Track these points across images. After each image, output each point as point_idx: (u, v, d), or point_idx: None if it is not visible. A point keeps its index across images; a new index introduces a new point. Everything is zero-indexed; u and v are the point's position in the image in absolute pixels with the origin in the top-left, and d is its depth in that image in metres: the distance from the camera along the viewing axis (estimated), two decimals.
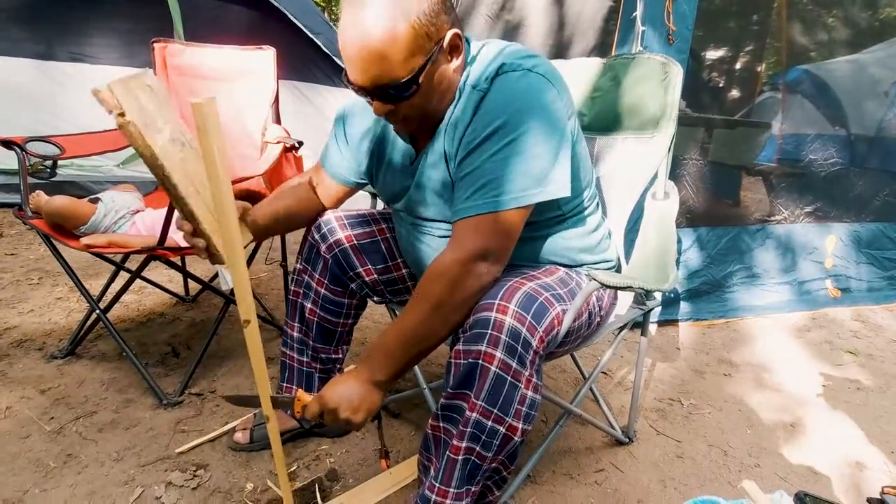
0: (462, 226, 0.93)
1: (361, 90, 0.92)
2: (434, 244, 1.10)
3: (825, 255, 2.64)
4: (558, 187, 0.95)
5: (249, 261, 1.76)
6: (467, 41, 1.00)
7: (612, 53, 2.09)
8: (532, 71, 0.94)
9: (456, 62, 0.95)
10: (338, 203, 1.29)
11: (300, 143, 1.89)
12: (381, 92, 0.90)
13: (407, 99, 0.91)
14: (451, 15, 0.91)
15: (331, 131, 1.22)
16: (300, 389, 1.05)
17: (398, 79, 0.88)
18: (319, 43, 3.32)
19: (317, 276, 1.25)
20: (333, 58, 3.39)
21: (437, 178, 1.03)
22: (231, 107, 2.03)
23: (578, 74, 1.50)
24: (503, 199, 0.91)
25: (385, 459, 1.07)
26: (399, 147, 1.10)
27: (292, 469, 1.29)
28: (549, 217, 1.06)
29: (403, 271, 1.29)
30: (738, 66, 2.76)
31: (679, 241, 2.26)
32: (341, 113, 1.21)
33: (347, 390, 0.93)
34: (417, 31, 0.86)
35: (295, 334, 1.30)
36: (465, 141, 0.96)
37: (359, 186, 1.26)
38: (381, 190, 1.20)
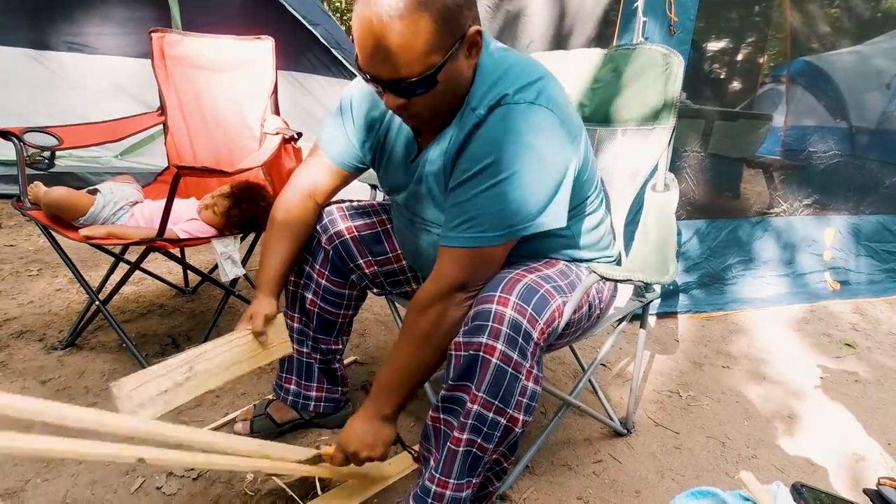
0: (446, 255, 0.94)
1: (374, 80, 0.87)
2: (430, 239, 1.09)
3: (824, 248, 2.65)
4: (551, 220, 0.93)
5: (248, 255, 1.75)
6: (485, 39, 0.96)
7: (614, 44, 2.08)
8: (535, 103, 0.88)
9: (473, 61, 0.91)
10: (336, 190, 1.22)
11: (299, 135, 1.88)
12: (395, 86, 0.85)
13: (421, 95, 0.87)
14: (473, 10, 0.87)
15: (333, 115, 1.15)
16: (322, 446, 1.12)
17: (415, 74, 0.83)
18: (317, 34, 3.30)
19: (317, 266, 1.25)
20: (331, 49, 3.37)
21: (434, 183, 1.01)
22: (230, 97, 2.02)
23: (579, 65, 1.49)
24: (488, 236, 0.90)
25: (415, 461, 1.13)
26: (402, 139, 1.07)
27: None
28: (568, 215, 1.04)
29: (403, 263, 1.29)
30: (739, 57, 2.75)
31: (679, 234, 2.26)
32: (348, 96, 1.14)
33: (361, 432, 1.02)
34: (441, 26, 0.80)
35: (295, 325, 1.30)
36: (458, 168, 0.93)
37: (359, 172, 1.21)
38: (381, 180, 1.19)
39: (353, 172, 1.19)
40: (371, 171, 1.26)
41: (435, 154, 0.99)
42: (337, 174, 1.18)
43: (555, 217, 0.93)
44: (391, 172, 1.12)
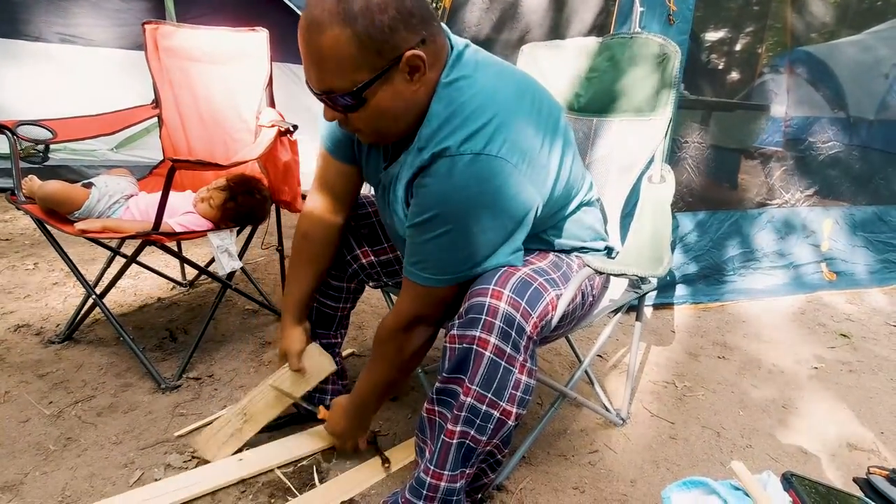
0: (405, 287, 1.00)
1: (311, 91, 0.86)
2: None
3: (821, 239, 2.65)
4: (502, 261, 0.93)
5: (244, 248, 1.75)
6: (452, 49, 0.90)
7: (610, 33, 2.06)
8: (482, 153, 0.83)
9: (415, 86, 0.85)
10: (354, 189, 1.18)
11: (295, 127, 1.87)
12: (327, 98, 0.85)
13: (353, 111, 0.86)
14: (416, 31, 0.81)
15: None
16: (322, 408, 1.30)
17: (341, 89, 0.82)
18: None
19: None
20: None
21: (395, 202, 0.99)
22: (224, 90, 2.01)
23: (574, 55, 1.48)
24: (436, 278, 0.95)
25: (384, 466, 1.26)
26: (374, 149, 1.06)
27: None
28: (543, 229, 1.05)
29: (399, 252, 1.29)
30: (738, 47, 2.73)
31: (676, 225, 2.26)
32: None
33: (341, 428, 1.23)
34: (363, 44, 0.78)
35: None
36: (411, 207, 0.93)
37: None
38: (365, 176, 1.16)
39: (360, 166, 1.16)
40: None
41: (401, 174, 0.95)
42: (347, 173, 1.15)
43: (507, 259, 0.93)
44: (368, 171, 1.12)
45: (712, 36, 2.61)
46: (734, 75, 2.83)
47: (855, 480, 0.79)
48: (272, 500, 1.15)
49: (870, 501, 0.71)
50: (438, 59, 0.87)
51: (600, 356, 1.90)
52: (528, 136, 0.89)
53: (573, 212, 1.08)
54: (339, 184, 1.17)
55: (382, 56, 0.80)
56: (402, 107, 0.87)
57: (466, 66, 0.89)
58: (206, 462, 1.23)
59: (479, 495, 1.15)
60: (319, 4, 0.78)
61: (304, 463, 1.26)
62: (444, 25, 0.90)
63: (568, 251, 1.12)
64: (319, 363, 1.28)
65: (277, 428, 1.36)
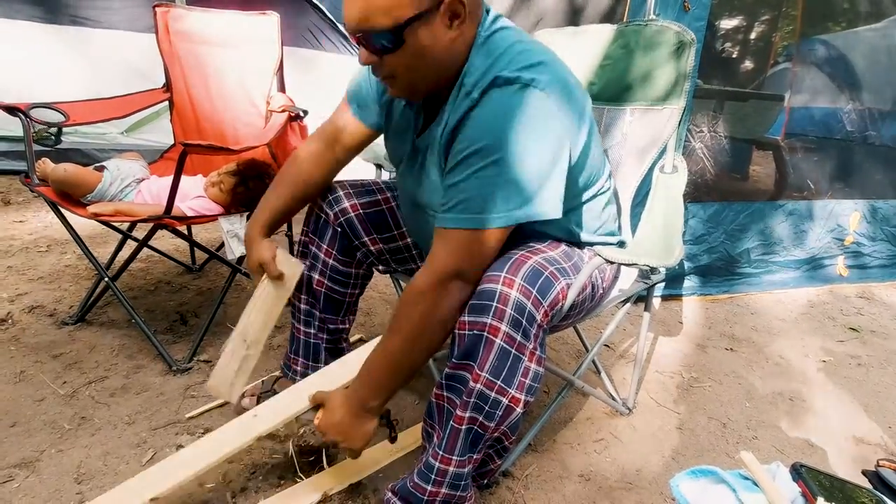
0: (439, 238, 0.93)
1: (349, 32, 0.87)
2: (429, 224, 1.07)
3: (847, 232, 2.62)
4: (546, 209, 0.91)
5: None
6: (487, 13, 0.94)
7: (624, 21, 2.03)
8: (530, 86, 0.86)
9: (454, 33, 0.88)
10: (358, 147, 1.22)
11: (305, 112, 1.87)
12: (365, 38, 0.86)
13: (391, 52, 0.86)
14: None
15: (359, 68, 1.16)
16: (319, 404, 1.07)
17: (381, 26, 0.83)
18: (324, 8, 3.25)
19: (325, 246, 1.26)
20: (337, 24, 3.32)
21: (430, 164, 1.00)
22: (235, 74, 2.00)
23: (589, 42, 1.46)
24: (483, 217, 0.88)
25: (391, 437, 1.14)
26: (406, 111, 1.08)
27: (300, 434, 1.32)
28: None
29: (409, 240, 1.30)
30: (752, 35, 2.69)
31: (688, 216, 2.24)
32: None
33: (341, 422, 1.00)
34: None
35: (302, 306, 1.31)
36: (454, 150, 0.91)
37: (377, 133, 1.20)
38: (388, 150, 1.19)
39: (375, 131, 1.19)
40: (377, 150, 1.26)
41: (436, 133, 0.99)
42: (360, 130, 1.19)
43: (550, 206, 0.91)
44: (396, 143, 1.13)
45: (726, 24, 2.56)
46: (747, 64, 2.78)
47: (864, 473, 0.79)
48: (281, 482, 1.17)
49: (879, 494, 0.71)
50: (475, 12, 0.90)
51: (607, 346, 1.90)
52: (569, 84, 0.92)
53: (591, 199, 1.08)
54: (348, 138, 1.19)
55: None
56: (439, 53, 0.89)
57: (504, 23, 0.94)
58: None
59: (486, 481, 1.17)
60: None
61: (313, 444, 1.28)
62: None
63: (581, 244, 1.12)
64: (292, 266, 1.25)
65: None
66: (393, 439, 1.14)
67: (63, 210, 1.53)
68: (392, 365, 0.97)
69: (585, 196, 1.06)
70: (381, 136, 1.22)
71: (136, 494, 0.99)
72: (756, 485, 0.68)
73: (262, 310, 1.23)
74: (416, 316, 0.92)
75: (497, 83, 0.87)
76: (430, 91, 0.95)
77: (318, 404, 1.06)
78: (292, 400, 1.15)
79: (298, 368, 1.36)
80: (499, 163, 0.86)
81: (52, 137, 1.66)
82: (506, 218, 0.89)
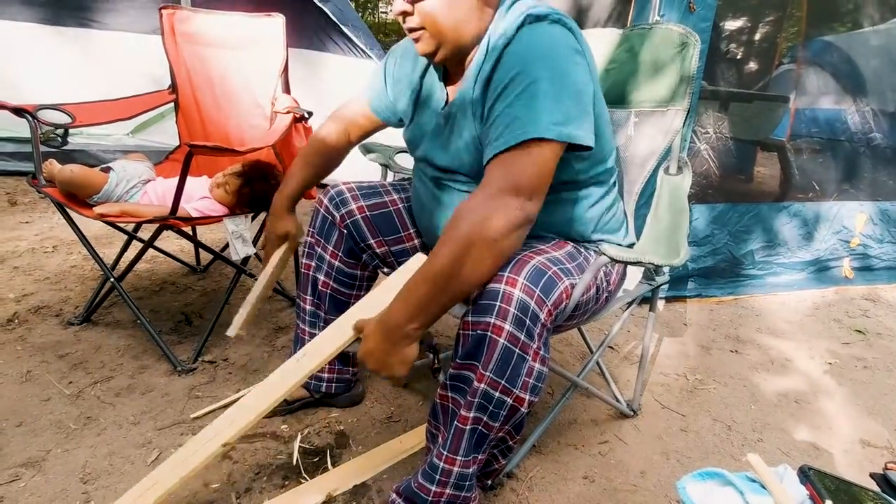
0: (492, 166, 0.91)
1: None
2: (453, 201, 1.10)
3: (853, 234, 2.60)
4: (583, 133, 0.92)
5: (259, 234, 1.77)
6: None
7: (629, 23, 2.03)
8: (559, 22, 0.94)
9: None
10: (368, 133, 1.35)
11: (310, 114, 1.87)
12: None
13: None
14: None
15: (380, 66, 1.27)
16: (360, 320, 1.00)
17: None
18: (328, 11, 3.26)
19: (331, 248, 1.26)
20: (342, 27, 3.33)
21: (463, 126, 1.04)
22: (240, 75, 2.01)
23: (594, 45, 1.45)
24: (531, 128, 0.88)
25: (432, 371, 1.05)
26: (435, 93, 1.12)
27: (305, 434, 1.32)
28: (565, 181, 1.02)
29: (416, 241, 1.30)
30: (757, 36, 2.68)
31: (693, 218, 2.23)
32: (392, 51, 1.25)
33: (378, 351, 0.92)
34: None
35: (307, 307, 1.31)
36: (491, 89, 0.96)
37: (387, 124, 1.31)
38: (409, 135, 1.21)
39: (384, 122, 1.31)
40: (380, 152, 1.26)
41: (466, 91, 1.02)
42: (371, 119, 1.31)
43: (586, 132, 0.93)
44: (424, 120, 1.16)
45: (731, 25, 2.55)
46: (752, 65, 2.77)
47: (872, 476, 0.78)
48: (285, 483, 1.17)
49: (888, 497, 0.71)
50: None
51: (612, 347, 1.90)
52: (585, 42, 1.00)
53: (605, 187, 1.11)
54: (360, 125, 1.33)
55: None
56: (464, 10, 0.97)
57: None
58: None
59: (490, 481, 1.17)
60: None
61: (318, 449, 1.28)
62: None
63: (588, 243, 1.12)
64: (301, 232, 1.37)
65: (290, 412, 1.38)
66: (436, 371, 1.04)
67: (69, 211, 1.54)
68: (434, 285, 0.87)
69: (592, 172, 1.08)
70: (387, 137, 1.26)
71: (208, 442, 1.00)
72: (763, 487, 0.68)
73: (274, 274, 1.35)
74: (464, 230, 0.85)
75: (528, 21, 0.94)
76: (454, 50, 1.00)
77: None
78: (335, 334, 1.04)
79: None
80: (539, 82, 0.90)
81: (59, 139, 1.67)
82: (555, 131, 0.88)
